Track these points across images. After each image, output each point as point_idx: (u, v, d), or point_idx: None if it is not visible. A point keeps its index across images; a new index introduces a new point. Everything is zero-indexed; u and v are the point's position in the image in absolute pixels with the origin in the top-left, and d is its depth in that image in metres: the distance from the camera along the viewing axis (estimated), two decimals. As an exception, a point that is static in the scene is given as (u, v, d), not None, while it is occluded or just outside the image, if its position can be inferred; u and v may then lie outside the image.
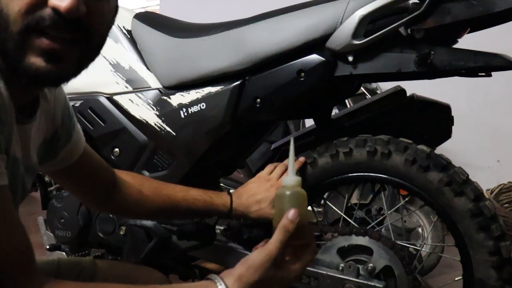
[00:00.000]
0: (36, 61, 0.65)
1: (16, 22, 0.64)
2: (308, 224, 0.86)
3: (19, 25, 0.64)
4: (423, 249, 1.29)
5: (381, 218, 1.37)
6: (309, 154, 1.28)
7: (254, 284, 0.76)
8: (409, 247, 1.36)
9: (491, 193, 2.26)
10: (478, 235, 1.14)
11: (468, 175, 1.18)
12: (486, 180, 2.32)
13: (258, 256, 0.77)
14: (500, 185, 2.34)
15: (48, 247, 1.53)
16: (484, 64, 1.10)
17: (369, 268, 1.20)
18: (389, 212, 1.35)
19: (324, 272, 1.21)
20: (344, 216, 1.38)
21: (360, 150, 1.22)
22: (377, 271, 1.20)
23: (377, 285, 1.17)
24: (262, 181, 1.25)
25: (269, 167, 1.29)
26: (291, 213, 0.79)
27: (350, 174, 1.25)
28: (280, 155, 1.38)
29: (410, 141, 1.21)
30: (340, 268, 1.21)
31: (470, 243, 1.15)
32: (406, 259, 1.22)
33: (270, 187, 1.23)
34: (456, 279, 1.25)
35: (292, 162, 0.86)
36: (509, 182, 2.36)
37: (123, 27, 1.45)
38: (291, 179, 0.85)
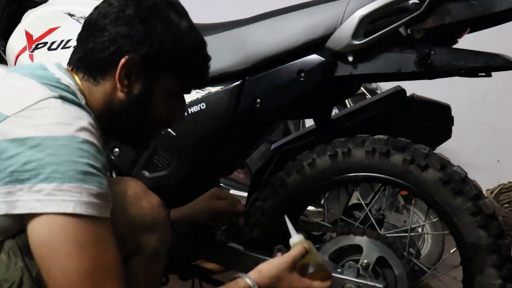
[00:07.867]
0: (150, 141, 1.09)
1: (158, 124, 1.05)
2: (324, 269, 1.06)
3: (158, 126, 1.06)
4: (411, 234, 1.31)
5: (363, 214, 1.37)
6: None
7: (270, 278, 0.98)
8: (395, 235, 1.36)
9: (491, 193, 2.26)
10: (456, 200, 1.15)
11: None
12: (486, 180, 2.32)
13: (276, 258, 1.03)
14: (500, 185, 2.33)
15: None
16: (484, 64, 1.10)
17: (364, 264, 1.20)
18: (368, 208, 1.36)
19: (324, 272, 1.20)
20: (328, 225, 1.37)
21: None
22: (372, 265, 1.20)
23: (377, 285, 1.17)
24: None
25: None
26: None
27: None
28: (280, 155, 1.38)
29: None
30: (340, 268, 1.21)
31: (451, 210, 1.16)
32: (396, 244, 1.22)
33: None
34: (451, 251, 1.26)
35: (291, 226, 1.07)
36: (509, 182, 2.36)
37: (123, 27, 1.44)
38: (296, 237, 1.06)
